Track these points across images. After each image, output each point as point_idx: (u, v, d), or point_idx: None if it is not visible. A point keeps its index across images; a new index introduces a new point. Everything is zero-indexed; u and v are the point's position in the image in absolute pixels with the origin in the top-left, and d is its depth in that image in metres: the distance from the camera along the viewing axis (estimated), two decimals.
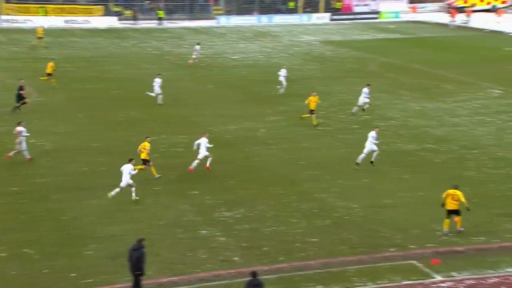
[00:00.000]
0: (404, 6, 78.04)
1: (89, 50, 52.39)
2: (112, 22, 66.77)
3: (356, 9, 77.25)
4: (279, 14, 73.93)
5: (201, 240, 18.84)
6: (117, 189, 21.35)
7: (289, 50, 53.06)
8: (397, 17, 74.85)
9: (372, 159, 24.45)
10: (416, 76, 41.48)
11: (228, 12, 73.88)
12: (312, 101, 29.76)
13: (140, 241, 15.94)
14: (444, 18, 69.77)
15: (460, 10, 70.55)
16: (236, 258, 17.83)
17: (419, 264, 17.28)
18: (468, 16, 67.01)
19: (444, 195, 18.99)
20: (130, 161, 21.72)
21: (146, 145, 23.55)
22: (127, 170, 21.31)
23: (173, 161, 25.51)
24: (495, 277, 16.61)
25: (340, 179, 23.63)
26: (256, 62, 47.53)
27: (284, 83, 36.69)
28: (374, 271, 17.00)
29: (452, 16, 66.59)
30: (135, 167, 22.04)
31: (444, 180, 23.29)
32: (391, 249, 18.11)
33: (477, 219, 19.87)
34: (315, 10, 75.32)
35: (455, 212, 18.88)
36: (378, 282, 16.50)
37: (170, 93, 36.32)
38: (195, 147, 24.31)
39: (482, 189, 22.32)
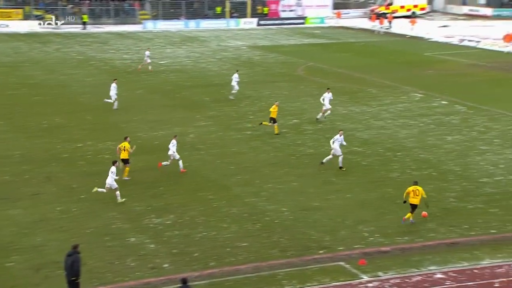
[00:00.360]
0: (329, 12, 79.79)
1: (8, 55, 50.69)
2: (33, 26, 64.82)
3: (283, 15, 78.31)
4: (206, 19, 73.92)
5: (130, 248, 18.53)
6: (104, 190, 21.44)
7: (217, 55, 53.10)
8: (322, 22, 76.38)
9: (340, 165, 24.89)
10: (342, 80, 42.43)
11: (155, 17, 73.19)
12: (273, 110, 29.58)
13: (75, 247, 15.57)
14: (368, 23, 71.71)
15: (383, 16, 72.75)
16: (166, 265, 17.64)
17: (347, 265, 17.64)
18: (390, 22, 69.14)
19: (406, 192, 19.94)
20: (114, 163, 21.71)
21: (125, 145, 23.71)
22: (110, 173, 21.32)
23: (100, 168, 24.98)
24: (418, 275, 17.17)
25: (270, 183, 23.84)
26: (184, 67, 47.29)
27: (237, 87, 36.77)
28: (303, 274, 17.22)
29: (381, 22, 68.43)
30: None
31: (370, 182, 23.94)
32: (320, 251, 18.41)
33: (401, 219, 20.48)
34: (243, 15, 75.78)
35: (415, 207, 19.87)
36: (308, 284, 16.72)
37: (96, 99, 35.61)
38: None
39: (406, 190, 23.02)
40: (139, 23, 70.98)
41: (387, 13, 73.78)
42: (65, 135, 29.53)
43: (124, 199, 21.63)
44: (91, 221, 20.24)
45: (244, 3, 77.30)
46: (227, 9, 75.89)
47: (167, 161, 24.72)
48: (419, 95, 37.99)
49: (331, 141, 25.17)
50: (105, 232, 19.50)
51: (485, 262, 17.78)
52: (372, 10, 78.26)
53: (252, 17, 75.69)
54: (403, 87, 40.01)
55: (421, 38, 62.79)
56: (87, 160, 26.04)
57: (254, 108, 35.16)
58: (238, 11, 76.18)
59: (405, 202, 20.17)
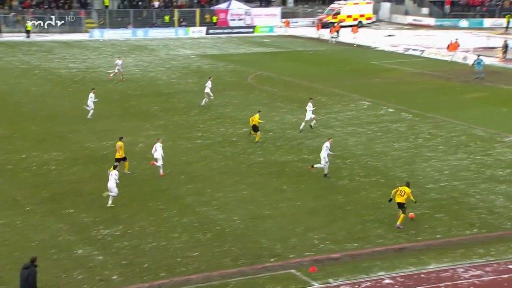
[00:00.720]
0: (278, 21, 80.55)
1: None
2: None
3: (232, 23, 78.59)
4: (155, 28, 73.48)
5: (77, 260, 18.16)
6: (110, 194, 22.01)
7: (166, 64, 52.79)
8: (271, 31, 77.01)
9: (325, 172, 25.16)
10: (291, 88, 42.81)
11: (102, 26, 72.26)
12: (255, 119, 29.84)
13: (33, 260, 15.18)
14: (316, 32, 72.72)
15: (330, 25, 73.91)
16: (114, 277, 17.36)
17: (297, 273, 17.74)
18: (337, 31, 70.25)
19: (393, 192, 20.96)
20: (115, 167, 22.34)
21: (120, 144, 24.91)
22: (113, 176, 21.93)
23: (46, 179, 24.44)
24: (368, 281, 17.42)
25: (221, 191, 23.80)
26: (132, 76, 46.81)
27: (211, 94, 37.02)
28: (254, 282, 17.23)
29: (331, 31, 69.43)
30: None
31: (320, 190, 24.19)
32: (271, 260, 18.46)
33: (350, 226, 20.79)
34: (191, 24, 75.63)
35: (401, 205, 20.69)
36: None
37: (41, 109, 34.84)
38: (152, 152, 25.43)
39: (355, 197, 23.40)
40: (86, 31, 69.95)
41: (335, 23, 74.99)
42: (9, 146, 28.78)
43: (113, 205, 21.84)
44: (37, 234, 19.75)
45: (193, 12, 77.21)
46: (176, 18, 75.63)
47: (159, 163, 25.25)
48: (367, 103, 38.69)
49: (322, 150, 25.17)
50: (52, 244, 19.05)
51: (431, 267, 18.19)
52: (320, 20, 79.45)
53: (201, 26, 75.66)
54: (351, 95, 40.66)
55: (367, 47, 64.02)
56: (32, 172, 25.42)
57: (204, 117, 35.08)
58: (187, 20, 76.01)
59: (390, 200, 21.04)
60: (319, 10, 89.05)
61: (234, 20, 79.14)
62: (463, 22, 78.46)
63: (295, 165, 27.01)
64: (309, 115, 32.02)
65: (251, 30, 76.90)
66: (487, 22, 77.42)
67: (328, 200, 23.10)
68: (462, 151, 28.71)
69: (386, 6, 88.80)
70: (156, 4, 77.91)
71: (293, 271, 17.86)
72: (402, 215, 20.71)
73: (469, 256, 18.69)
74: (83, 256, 18.43)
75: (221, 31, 75.78)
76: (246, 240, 19.70)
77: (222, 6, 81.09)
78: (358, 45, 64.85)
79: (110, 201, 22.00)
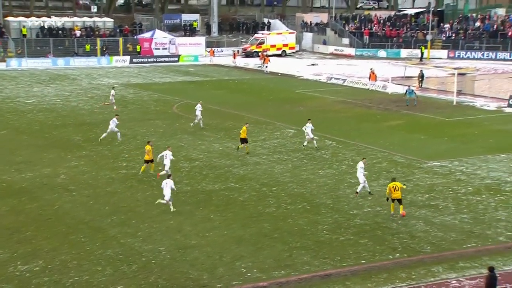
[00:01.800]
0: (203, 50, 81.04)
1: None
2: None
3: (156, 52, 78.39)
4: (76, 57, 72.28)
5: None
6: (164, 201, 24.29)
7: (89, 93, 51.89)
8: (196, 60, 77.33)
9: (368, 190, 26.79)
10: (217, 117, 42.96)
11: (20, 55, 70.40)
12: (243, 131, 32.98)
13: None
14: (232, 61, 73.63)
15: (255, 54, 75.07)
16: None
17: None
18: (262, 60, 71.33)
19: (387, 190, 24.19)
20: (168, 176, 24.78)
21: (148, 148, 28.81)
22: (169, 185, 24.35)
23: None
24: None
25: (146, 222, 23.43)
26: (53, 106, 45.69)
27: (200, 116, 38.97)
28: None
29: (265, 61, 70.43)
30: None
31: (247, 218, 24.25)
32: None
33: (278, 254, 20.90)
34: (115, 53, 74.87)
35: (399, 200, 24.07)
36: None
37: None
38: (158, 159, 28.24)
39: (282, 224, 23.59)
40: (3, 60, 67.92)
41: (259, 52, 76.18)
42: None
43: (175, 209, 24.26)
44: None
45: (116, 41, 76.52)
46: (98, 47, 74.67)
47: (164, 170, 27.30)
48: (292, 131, 39.31)
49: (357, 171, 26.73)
50: None
51: None
52: (244, 49, 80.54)
53: (124, 55, 75.03)
54: (276, 123, 41.23)
55: (292, 76, 65.31)
56: None
57: (130, 146, 34.61)
58: (110, 49, 75.21)
59: (387, 199, 24.31)
60: (243, 40, 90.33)
61: (158, 49, 78.99)
62: (382, 52, 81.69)
63: (222, 193, 27.00)
64: (310, 133, 34.27)
65: (175, 59, 76.94)
66: (404, 52, 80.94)
67: (255, 228, 23.17)
68: (384, 177, 29.57)
69: (308, 36, 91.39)
70: (78, 33, 76.74)
71: None
72: (401, 206, 24.10)
73: (392, 281, 19.15)
74: None
75: (145, 60, 75.42)
76: (172, 271, 19.42)
77: (146, 35, 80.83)
78: (283, 74, 66.06)
79: (171, 207, 24.37)
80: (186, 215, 24.34)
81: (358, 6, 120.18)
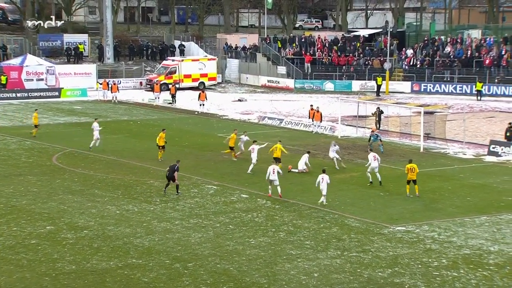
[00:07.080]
0: (93, 81, 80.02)
1: None
2: None
3: (28, 85, 77.40)
4: None
5: None
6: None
7: None
8: (84, 95, 76.85)
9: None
10: (113, 170, 42.57)
11: None
12: (232, 138, 42.80)
13: None
14: (144, 95, 73.74)
15: (165, 87, 75.43)
16: None
17: None
18: (173, 95, 71.69)
19: (406, 170, 36.08)
20: (277, 161, 33.15)
21: (162, 135, 43.46)
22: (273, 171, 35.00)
23: None
24: None
25: None
26: None
27: (98, 136, 46.42)
28: None
29: (172, 91, 71.35)
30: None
31: None
32: None
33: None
34: None
35: (414, 181, 36.14)
36: None
37: None
38: None
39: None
40: None
41: (170, 84, 76.48)
42: None
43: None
44: None
45: None
46: None
47: None
48: (214, 187, 39.40)
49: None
50: None
51: None
52: (150, 80, 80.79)
53: None
54: (193, 178, 41.24)
55: (213, 115, 65.83)
56: None
57: None
58: None
59: (409, 182, 36.34)
60: (148, 68, 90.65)
61: (31, 80, 78.00)
62: (328, 85, 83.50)
63: (120, 273, 26.60)
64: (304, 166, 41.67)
65: (56, 93, 76.28)
66: (356, 84, 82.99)
67: None
68: (334, 247, 29.94)
69: (234, 64, 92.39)
70: None
71: None
72: (416, 186, 36.13)
73: None
74: None
75: (13, 95, 74.36)
76: None
77: (14, 62, 79.75)
78: (202, 113, 66.50)
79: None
80: None
81: (297, 25, 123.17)
